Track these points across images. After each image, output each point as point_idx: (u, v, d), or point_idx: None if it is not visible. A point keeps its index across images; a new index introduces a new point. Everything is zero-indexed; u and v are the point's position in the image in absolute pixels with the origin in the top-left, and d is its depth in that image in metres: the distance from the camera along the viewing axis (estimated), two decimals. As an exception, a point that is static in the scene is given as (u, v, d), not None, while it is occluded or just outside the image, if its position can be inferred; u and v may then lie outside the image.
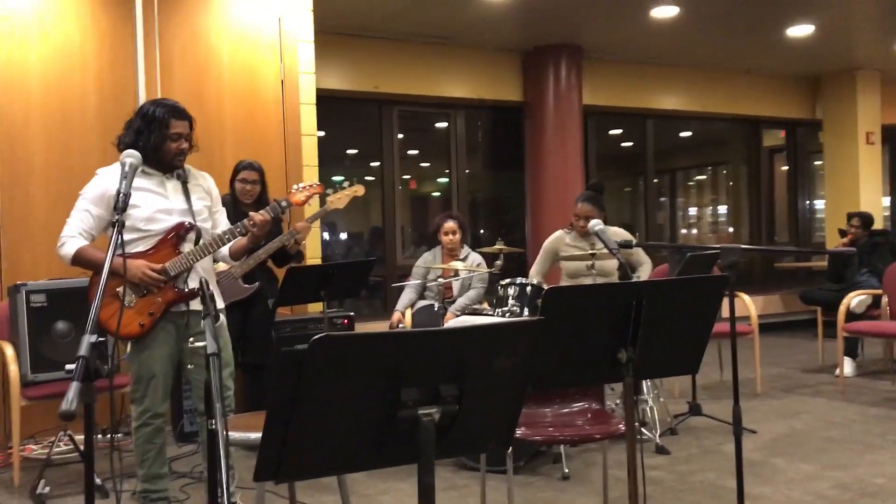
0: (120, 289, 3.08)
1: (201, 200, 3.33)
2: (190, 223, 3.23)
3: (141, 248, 3.17)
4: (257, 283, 4.61)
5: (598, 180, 6.60)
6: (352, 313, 5.29)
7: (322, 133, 5.76)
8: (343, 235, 8.34)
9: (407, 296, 5.62)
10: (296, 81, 5.57)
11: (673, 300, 2.15)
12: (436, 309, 5.33)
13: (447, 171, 8.11)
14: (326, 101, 6.10)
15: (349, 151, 8.35)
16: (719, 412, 4.95)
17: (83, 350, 1.75)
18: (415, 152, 8.38)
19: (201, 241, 3.23)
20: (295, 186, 3.53)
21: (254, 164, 4.67)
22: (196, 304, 3.20)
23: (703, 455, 4.34)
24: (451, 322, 4.79)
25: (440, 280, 5.29)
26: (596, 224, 3.26)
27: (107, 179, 3.19)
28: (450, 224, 5.53)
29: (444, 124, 8.08)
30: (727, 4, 6.68)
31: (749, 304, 5.77)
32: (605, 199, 4.90)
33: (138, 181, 3.13)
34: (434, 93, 7.59)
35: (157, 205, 3.21)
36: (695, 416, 4.96)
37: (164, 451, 3.31)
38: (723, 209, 10.51)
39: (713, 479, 3.92)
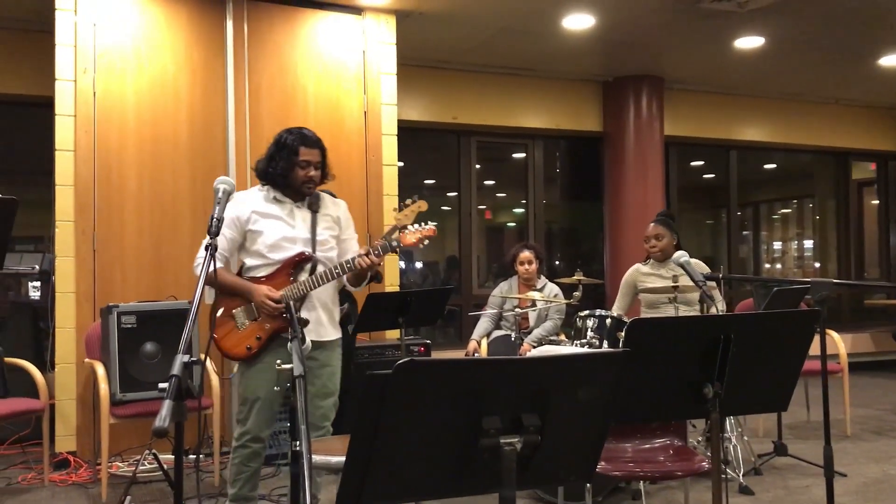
0: (237, 310, 3.17)
1: (328, 230, 3.37)
2: (308, 254, 3.27)
3: (260, 274, 3.26)
4: (346, 305, 4.64)
5: (668, 209, 6.50)
6: (428, 341, 5.29)
7: (401, 163, 5.85)
8: (419, 264, 8.40)
9: (483, 325, 5.61)
10: (378, 113, 5.69)
11: (763, 334, 2.08)
12: (512, 339, 5.30)
13: (523, 200, 8.10)
14: (406, 132, 6.20)
15: (427, 181, 8.43)
16: (806, 453, 4.76)
17: (176, 369, 1.80)
18: (491, 182, 8.41)
19: (317, 271, 3.24)
20: (409, 227, 3.26)
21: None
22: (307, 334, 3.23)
23: (789, 497, 4.17)
24: (531, 353, 4.75)
25: (517, 310, 5.26)
26: (681, 255, 3.23)
27: (240, 203, 3.28)
28: (526, 254, 5.51)
29: (522, 154, 8.09)
30: (815, 35, 6.51)
31: (838, 342, 5.55)
32: (685, 231, 4.83)
33: (270, 208, 3.25)
34: (512, 123, 7.62)
35: (282, 232, 3.27)
36: (780, 457, 4.77)
37: (258, 475, 3.33)
38: (809, 244, 10.17)
39: (800, 524, 3.77)
